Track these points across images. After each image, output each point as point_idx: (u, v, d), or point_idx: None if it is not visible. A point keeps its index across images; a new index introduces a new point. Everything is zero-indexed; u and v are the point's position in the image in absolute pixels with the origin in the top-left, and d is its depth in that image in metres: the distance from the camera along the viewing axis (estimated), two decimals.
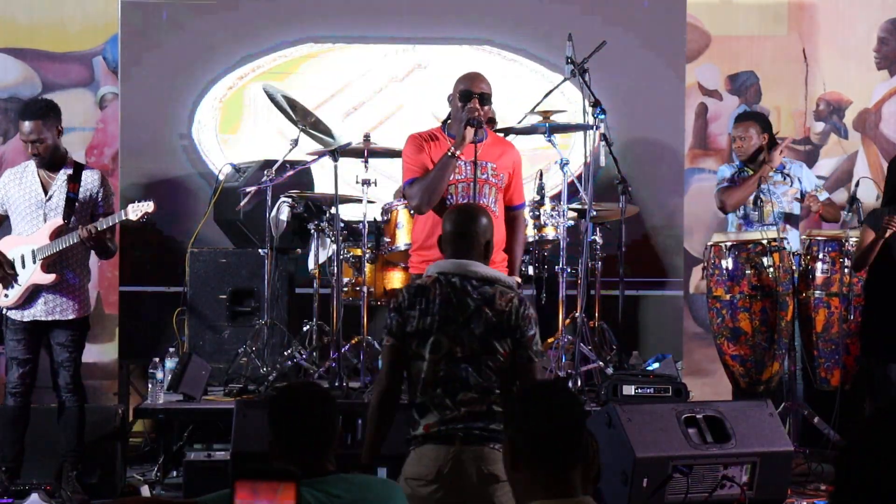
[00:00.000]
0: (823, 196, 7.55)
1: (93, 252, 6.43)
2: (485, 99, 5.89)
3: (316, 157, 7.20)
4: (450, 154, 5.80)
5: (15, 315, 6.36)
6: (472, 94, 5.88)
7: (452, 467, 4.31)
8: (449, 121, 6.08)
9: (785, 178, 7.49)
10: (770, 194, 7.39)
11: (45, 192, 6.36)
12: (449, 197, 5.97)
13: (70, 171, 6.39)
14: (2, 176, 6.56)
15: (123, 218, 6.27)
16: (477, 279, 4.46)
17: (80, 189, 6.38)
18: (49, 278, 6.29)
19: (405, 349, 4.45)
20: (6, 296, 6.36)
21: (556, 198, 7.17)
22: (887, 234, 6.44)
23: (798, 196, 7.52)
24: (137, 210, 6.27)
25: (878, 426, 2.25)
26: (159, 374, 6.92)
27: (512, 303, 4.43)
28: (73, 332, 6.39)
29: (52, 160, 6.38)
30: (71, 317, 6.36)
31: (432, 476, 4.29)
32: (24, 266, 6.34)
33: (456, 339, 4.39)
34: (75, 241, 6.23)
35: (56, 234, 6.30)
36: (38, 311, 6.33)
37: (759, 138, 7.46)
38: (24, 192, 6.38)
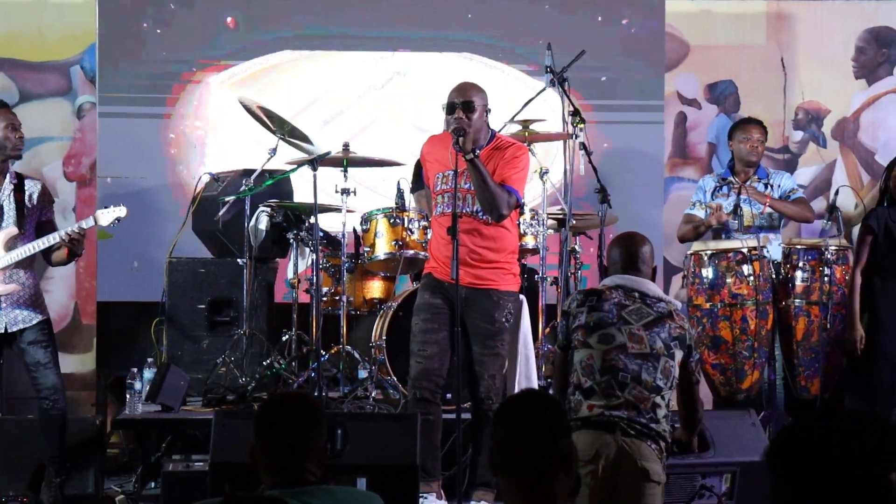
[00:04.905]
0: (797, 195, 7.53)
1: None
2: (467, 106, 5.86)
3: (295, 166, 7.17)
4: (468, 159, 5.80)
5: None
6: (455, 106, 5.88)
7: (611, 455, 4.42)
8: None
9: (767, 189, 7.51)
10: (751, 205, 7.41)
11: None
12: (436, 207, 6.04)
13: (15, 181, 6.33)
14: None
15: (93, 224, 6.22)
16: (652, 296, 4.70)
17: (24, 198, 6.32)
18: (9, 289, 6.21)
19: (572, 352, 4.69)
20: None
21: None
22: None
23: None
24: (108, 215, 6.24)
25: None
26: (137, 385, 6.89)
27: (686, 322, 4.72)
28: (43, 329, 6.33)
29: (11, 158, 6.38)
30: (37, 321, 6.29)
31: (589, 457, 4.38)
32: None
33: (634, 337, 4.57)
34: (49, 244, 6.16)
35: (10, 244, 6.22)
36: None
37: (763, 146, 7.59)
38: None
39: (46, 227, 6.35)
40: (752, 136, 7.50)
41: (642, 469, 4.44)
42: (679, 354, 4.63)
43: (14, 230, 6.24)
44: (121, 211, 6.25)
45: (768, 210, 7.37)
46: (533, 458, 2.93)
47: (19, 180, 6.36)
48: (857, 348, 6.98)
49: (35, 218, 6.34)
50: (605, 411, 4.50)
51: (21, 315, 6.27)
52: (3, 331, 6.25)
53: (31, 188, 6.37)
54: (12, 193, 6.29)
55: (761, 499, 5.87)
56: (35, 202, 6.35)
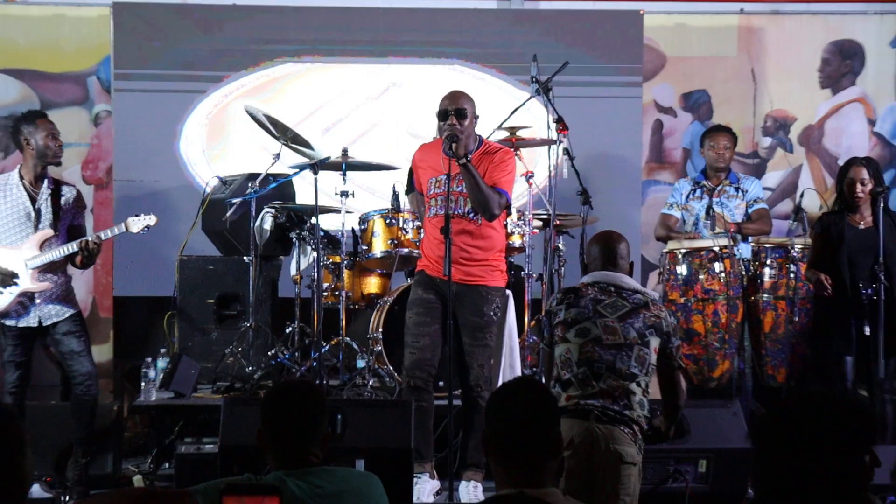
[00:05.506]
0: (759, 206, 7.70)
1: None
2: (460, 113, 5.98)
3: (297, 170, 7.24)
4: (461, 164, 5.91)
5: (10, 322, 6.40)
6: (447, 113, 6.00)
7: (584, 439, 4.52)
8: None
9: (738, 192, 7.67)
10: (723, 207, 7.61)
11: (33, 205, 6.39)
12: (430, 209, 6.18)
13: (53, 186, 6.45)
14: None
15: (124, 230, 6.35)
16: (627, 289, 4.80)
17: (61, 203, 6.44)
18: (43, 286, 6.34)
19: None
20: None
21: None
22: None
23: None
24: (139, 223, 6.35)
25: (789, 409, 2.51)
26: (151, 374, 7.02)
27: (663, 311, 4.80)
28: (75, 320, 6.47)
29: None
30: (69, 314, 6.44)
31: (565, 444, 4.41)
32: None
33: (608, 329, 4.66)
34: (71, 250, 6.29)
35: (45, 245, 6.35)
36: (32, 320, 6.39)
37: (731, 152, 7.77)
38: (10, 204, 6.38)
39: (77, 231, 6.50)
40: (719, 144, 7.69)
41: (615, 452, 4.48)
42: (655, 342, 4.66)
43: (50, 232, 6.36)
44: (150, 219, 6.35)
45: (735, 222, 7.54)
46: (525, 444, 2.99)
47: (56, 185, 6.50)
48: (825, 285, 6.74)
49: (68, 221, 6.46)
50: (581, 401, 4.56)
51: (54, 309, 6.40)
52: (37, 324, 6.39)
53: (67, 193, 6.49)
54: (49, 198, 6.42)
55: (736, 484, 6.00)
56: (70, 206, 6.47)
